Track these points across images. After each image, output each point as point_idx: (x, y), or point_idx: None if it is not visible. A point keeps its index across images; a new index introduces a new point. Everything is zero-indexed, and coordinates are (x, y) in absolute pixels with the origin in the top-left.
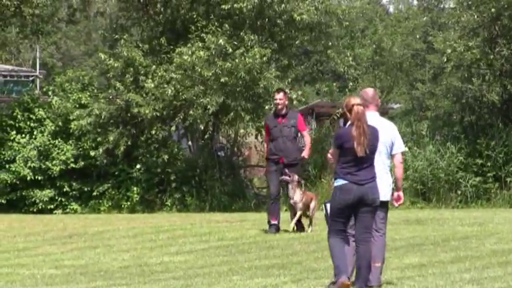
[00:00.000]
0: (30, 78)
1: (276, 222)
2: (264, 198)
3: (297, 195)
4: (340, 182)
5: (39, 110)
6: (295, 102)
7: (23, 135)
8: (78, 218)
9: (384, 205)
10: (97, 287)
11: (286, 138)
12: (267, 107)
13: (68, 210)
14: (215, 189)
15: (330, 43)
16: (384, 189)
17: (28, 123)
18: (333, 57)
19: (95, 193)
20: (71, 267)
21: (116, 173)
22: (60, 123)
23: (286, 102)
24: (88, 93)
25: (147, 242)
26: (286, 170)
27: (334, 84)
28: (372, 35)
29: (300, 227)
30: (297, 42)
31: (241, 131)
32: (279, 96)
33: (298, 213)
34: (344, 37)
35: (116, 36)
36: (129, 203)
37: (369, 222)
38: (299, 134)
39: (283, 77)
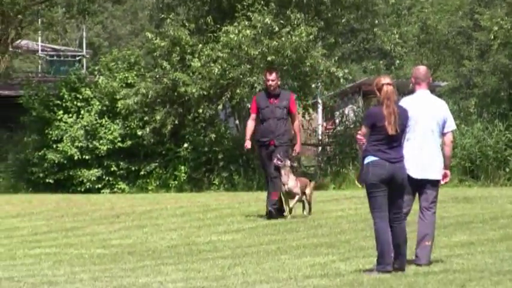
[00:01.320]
0: (77, 58)
1: (276, 198)
2: (311, 177)
3: (291, 181)
4: (371, 158)
5: (85, 90)
6: (341, 80)
7: (70, 115)
8: (125, 198)
9: (436, 184)
10: (145, 267)
11: (277, 119)
12: (313, 86)
13: (115, 189)
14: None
15: (376, 21)
16: (437, 167)
17: (75, 102)
18: (379, 35)
19: (142, 172)
20: (119, 246)
21: (163, 152)
22: (106, 103)
23: (279, 82)
24: (134, 73)
25: (194, 221)
26: (278, 155)
27: (381, 62)
28: (418, 13)
29: (281, 212)
30: (343, 21)
31: None
32: (272, 76)
33: (297, 198)
34: (390, 15)
35: (162, 15)
36: (176, 182)
37: (400, 201)
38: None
39: (330, 55)
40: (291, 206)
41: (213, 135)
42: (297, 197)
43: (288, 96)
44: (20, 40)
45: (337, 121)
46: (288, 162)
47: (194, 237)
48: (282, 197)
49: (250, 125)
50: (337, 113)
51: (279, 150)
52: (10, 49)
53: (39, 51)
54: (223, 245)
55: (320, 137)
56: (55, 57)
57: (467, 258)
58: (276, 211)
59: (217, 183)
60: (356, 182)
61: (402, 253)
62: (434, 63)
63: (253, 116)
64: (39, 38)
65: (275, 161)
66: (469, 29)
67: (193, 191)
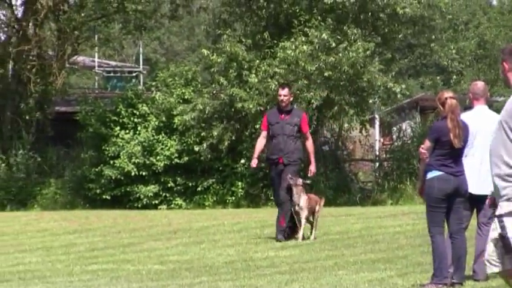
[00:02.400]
0: (134, 74)
1: (284, 225)
2: (370, 192)
3: (302, 201)
4: (436, 173)
5: (142, 106)
6: (399, 95)
7: (127, 131)
8: (182, 213)
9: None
10: (202, 283)
11: (287, 136)
12: (370, 101)
13: (172, 205)
14: (320, 183)
15: (433, 36)
16: None
17: (132, 118)
18: (436, 51)
19: (199, 188)
20: (176, 262)
21: (220, 168)
22: (163, 119)
23: (291, 99)
24: (191, 88)
25: (252, 236)
26: (290, 175)
27: (438, 77)
28: (475, 28)
29: (291, 232)
30: (400, 36)
31: (346, 125)
32: (284, 91)
33: (303, 221)
34: (447, 30)
35: (219, 31)
36: (233, 198)
37: (461, 213)
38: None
39: (387, 71)
40: (300, 232)
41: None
42: (303, 221)
43: (299, 114)
44: (76, 56)
45: (394, 137)
46: (300, 181)
47: (251, 253)
48: (295, 216)
49: (260, 142)
50: (395, 128)
51: (288, 170)
52: (67, 65)
53: (96, 67)
54: (281, 260)
55: (377, 153)
56: (112, 73)
57: None
58: (285, 237)
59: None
60: (419, 195)
61: (461, 266)
62: (492, 78)
63: (263, 133)
64: (96, 54)
65: (288, 179)
66: None
67: (250, 206)
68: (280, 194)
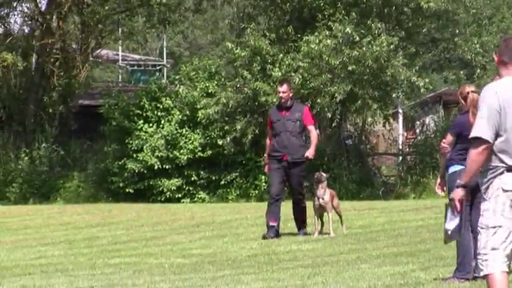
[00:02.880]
0: (157, 68)
1: (275, 224)
2: (393, 186)
3: (326, 195)
4: (458, 167)
5: (166, 99)
6: (422, 90)
7: (151, 125)
8: (205, 207)
9: None
10: (225, 276)
11: (290, 133)
12: (394, 95)
13: (195, 199)
14: (343, 177)
15: (457, 31)
16: None
17: (155, 112)
18: (460, 45)
19: (222, 182)
20: (199, 256)
21: (244, 161)
22: (187, 112)
23: (291, 94)
24: (215, 82)
25: None
26: (318, 173)
27: (462, 72)
28: (499, 22)
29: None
30: (424, 30)
31: (369, 119)
32: (283, 88)
33: (330, 215)
34: (471, 24)
35: (243, 25)
36: (257, 192)
37: None
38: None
39: (411, 65)
40: (331, 233)
41: None
42: (330, 214)
43: (300, 108)
44: (100, 49)
45: (417, 131)
46: (324, 175)
47: (274, 247)
48: (314, 212)
49: (268, 142)
50: (418, 122)
51: (295, 173)
52: (90, 58)
53: (120, 61)
54: (303, 254)
55: (400, 147)
56: (135, 67)
57: None
58: (274, 234)
59: None
60: (436, 190)
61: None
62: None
63: (270, 132)
64: (120, 48)
65: (316, 177)
66: None
67: None
68: (275, 191)
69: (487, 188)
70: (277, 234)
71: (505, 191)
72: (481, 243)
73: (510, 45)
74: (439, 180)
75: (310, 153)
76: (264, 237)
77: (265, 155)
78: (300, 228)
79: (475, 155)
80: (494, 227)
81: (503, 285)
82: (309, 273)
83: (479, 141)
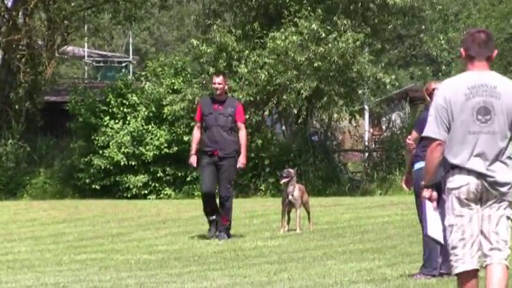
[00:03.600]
0: (123, 64)
1: (214, 217)
2: (359, 183)
3: (296, 191)
4: (423, 164)
5: (132, 96)
6: (388, 86)
7: (117, 121)
8: (172, 203)
9: None
10: (191, 272)
11: (221, 128)
12: (360, 92)
13: (161, 195)
14: (309, 173)
15: (423, 27)
16: None
17: (121, 108)
18: (426, 41)
19: (188, 178)
20: (165, 252)
21: None
22: (153, 109)
23: (227, 87)
24: (181, 79)
25: (241, 226)
26: (284, 172)
27: (428, 68)
28: (466, 19)
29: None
30: (390, 27)
31: (335, 115)
32: (219, 79)
33: (299, 211)
34: (437, 21)
35: (209, 21)
36: None
37: None
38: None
39: (377, 61)
40: (298, 229)
41: (259, 141)
42: (298, 211)
43: (234, 103)
44: (66, 46)
45: (383, 127)
46: (292, 172)
47: (240, 243)
48: (282, 207)
49: (196, 134)
50: (384, 119)
51: (225, 168)
52: (56, 55)
53: (86, 57)
54: (270, 250)
55: (367, 143)
56: (101, 63)
57: None
58: (228, 234)
59: (263, 189)
60: (403, 186)
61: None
62: None
63: (198, 124)
64: (86, 44)
65: (282, 179)
66: None
67: (240, 196)
68: (208, 188)
69: (444, 187)
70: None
71: (450, 189)
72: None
73: (476, 39)
74: (405, 176)
75: (241, 162)
76: (210, 231)
77: (192, 147)
78: (220, 231)
79: (428, 153)
80: (450, 226)
81: (470, 284)
82: (275, 269)
83: (429, 139)
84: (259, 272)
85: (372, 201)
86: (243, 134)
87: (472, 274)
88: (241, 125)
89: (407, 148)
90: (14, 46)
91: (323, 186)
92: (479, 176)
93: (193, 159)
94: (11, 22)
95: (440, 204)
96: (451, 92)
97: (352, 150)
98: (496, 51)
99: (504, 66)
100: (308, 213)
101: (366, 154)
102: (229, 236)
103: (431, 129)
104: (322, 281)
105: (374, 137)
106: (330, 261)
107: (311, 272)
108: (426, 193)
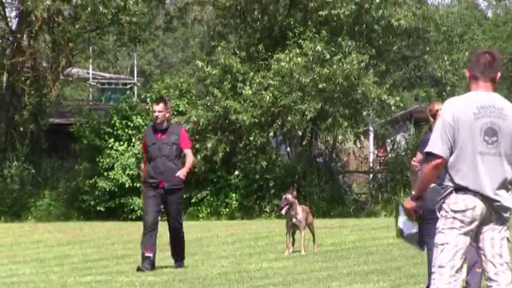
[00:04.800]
0: (128, 86)
1: (151, 255)
2: (364, 204)
3: (300, 214)
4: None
5: (137, 118)
6: (393, 107)
7: (121, 143)
8: None
9: None
10: None
11: (166, 158)
12: (365, 113)
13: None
14: (314, 195)
15: (428, 48)
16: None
17: (126, 130)
18: (430, 63)
19: (193, 200)
20: (170, 274)
21: (215, 179)
22: None
23: (167, 115)
24: (186, 100)
25: (246, 248)
26: (282, 202)
27: (432, 89)
28: (470, 40)
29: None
30: (394, 48)
31: (340, 137)
32: (158, 107)
33: (303, 233)
34: (442, 42)
35: (214, 43)
36: (227, 210)
37: None
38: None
39: (381, 83)
40: (303, 250)
41: (264, 163)
42: (303, 232)
43: (178, 131)
44: (71, 68)
45: (388, 148)
46: (290, 197)
47: (245, 265)
48: (286, 229)
49: (143, 167)
50: (389, 140)
51: (172, 200)
52: (61, 77)
53: (90, 79)
54: (274, 272)
55: (371, 164)
56: (106, 85)
57: None
58: (150, 266)
59: (268, 211)
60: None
61: (478, 273)
62: None
63: (145, 156)
64: (90, 66)
65: (282, 207)
66: None
67: (245, 218)
68: (149, 222)
69: (440, 206)
70: (153, 266)
71: (453, 211)
72: (433, 261)
73: (481, 60)
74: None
75: (181, 173)
76: (139, 269)
77: (142, 180)
78: (176, 260)
79: (426, 169)
80: (442, 245)
81: None
82: None
83: (431, 156)
84: None
85: (376, 223)
86: (190, 159)
87: None
88: (187, 151)
89: (413, 170)
90: (18, 68)
91: (328, 208)
92: (486, 199)
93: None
94: (15, 44)
95: (431, 221)
96: (460, 110)
97: (357, 171)
98: (499, 73)
99: (508, 87)
100: (313, 234)
101: (371, 175)
102: (182, 265)
103: (436, 146)
104: None
105: (379, 158)
106: (335, 283)
107: None
108: (409, 203)
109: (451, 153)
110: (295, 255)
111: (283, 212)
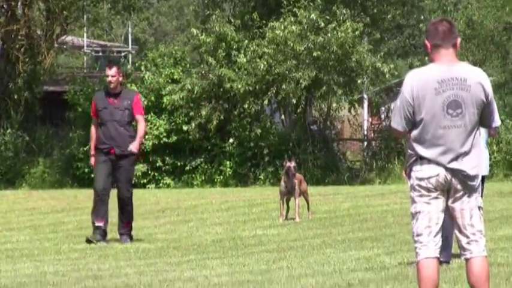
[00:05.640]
0: (123, 54)
1: (102, 224)
2: (358, 172)
3: (294, 181)
4: None
5: (131, 86)
6: (387, 76)
7: None
8: (171, 193)
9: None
10: (190, 261)
11: (117, 123)
12: (359, 81)
13: (161, 184)
14: (308, 162)
15: (422, 17)
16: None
17: None
18: (425, 31)
19: (187, 167)
20: (164, 241)
21: (209, 147)
22: (152, 98)
23: (121, 79)
24: (180, 69)
25: (240, 215)
26: (287, 165)
27: (426, 58)
28: (464, 9)
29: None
30: (389, 16)
31: (334, 104)
32: (111, 72)
33: (297, 200)
34: (436, 11)
35: (208, 11)
36: (222, 177)
37: None
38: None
39: (376, 51)
40: (297, 218)
41: (258, 131)
42: (297, 200)
43: (131, 96)
44: (65, 36)
45: (382, 116)
46: (293, 164)
47: (239, 232)
48: (280, 196)
49: (93, 132)
50: (383, 108)
51: (124, 167)
52: (55, 45)
53: (85, 47)
54: (269, 239)
55: (365, 132)
56: (100, 53)
57: (511, 252)
58: (101, 237)
59: (262, 178)
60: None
61: (448, 245)
62: (480, 58)
63: (94, 120)
64: (85, 34)
65: (286, 167)
66: None
67: (239, 186)
68: (100, 188)
69: (409, 175)
70: (105, 236)
71: (418, 178)
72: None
73: (440, 28)
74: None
75: (134, 146)
76: (89, 241)
77: (91, 146)
78: (122, 234)
79: (406, 142)
80: (416, 214)
81: (430, 272)
82: (274, 258)
83: (395, 130)
84: (258, 261)
85: (370, 190)
86: (142, 125)
87: (435, 262)
88: (139, 118)
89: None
90: (13, 36)
91: (322, 175)
92: (449, 170)
93: (92, 161)
94: (9, 12)
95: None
96: (420, 85)
97: (351, 139)
98: (459, 39)
99: (502, 55)
100: (307, 202)
101: (365, 143)
102: (131, 238)
103: (395, 120)
104: (321, 269)
105: (373, 126)
106: (329, 250)
107: (310, 260)
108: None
109: (415, 126)
110: (289, 222)
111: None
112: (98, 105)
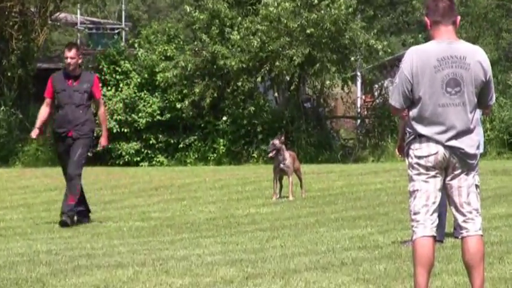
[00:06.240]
0: (116, 31)
1: (74, 203)
2: (351, 150)
3: (288, 159)
4: None
5: (125, 63)
6: (380, 53)
7: (109, 88)
8: (164, 170)
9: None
10: (183, 239)
11: (76, 106)
12: (352, 58)
13: (154, 162)
14: (301, 140)
15: None
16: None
17: (114, 75)
18: (418, 8)
19: (181, 145)
20: (158, 219)
21: (202, 125)
22: (146, 76)
23: (80, 61)
24: (174, 46)
25: (233, 193)
26: (269, 147)
27: (420, 35)
28: None
29: (83, 216)
30: None
31: (327, 82)
32: (71, 53)
33: (291, 179)
34: None
35: None
36: (215, 155)
37: None
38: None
39: (369, 28)
40: (291, 196)
41: (252, 108)
42: (291, 178)
43: (90, 78)
44: (58, 13)
45: (376, 94)
46: (277, 142)
47: (233, 210)
48: (274, 174)
49: (43, 111)
50: (376, 85)
51: (78, 144)
52: (49, 22)
53: (78, 24)
54: (262, 217)
55: (359, 110)
56: (94, 30)
57: (505, 231)
58: (71, 219)
59: (256, 156)
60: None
61: (442, 224)
62: (474, 36)
63: (47, 101)
64: (78, 11)
65: (270, 152)
66: (509, 2)
67: (232, 164)
68: (69, 171)
69: (407, 153)
70: (84, 216)
71: (416, 157)
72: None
73: (440, 4)
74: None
75: (104, 141)
76: (62, 223)
77: (37, 123)
78: (63, 212)
79: (400, 119)
80: (414, 192)
81: (426, 250)
82: (268, 236)
83: (393, 107)
84: (251, 239)
85: (364, 168)
86: (102, 111)
87: (431, 240)
88: (101, 102)
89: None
90: (6, 13)
91: (315, 153)
92: (448, 147)
93: (34, 132)
94: None
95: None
96: (420, 63)
97: (344, 116)
98: (459, 17)
99: (496, 33)
100: (300, 180)
101: (359, 121)
102: (72, 219)
103: (393, 97)
104: (314, 248)
105: (366, 103)
106: (322, 228)
107: (303, 239)
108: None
109: (414, 103)
110: (282, 200)
111: (269, 156)
112: (56, 87)
